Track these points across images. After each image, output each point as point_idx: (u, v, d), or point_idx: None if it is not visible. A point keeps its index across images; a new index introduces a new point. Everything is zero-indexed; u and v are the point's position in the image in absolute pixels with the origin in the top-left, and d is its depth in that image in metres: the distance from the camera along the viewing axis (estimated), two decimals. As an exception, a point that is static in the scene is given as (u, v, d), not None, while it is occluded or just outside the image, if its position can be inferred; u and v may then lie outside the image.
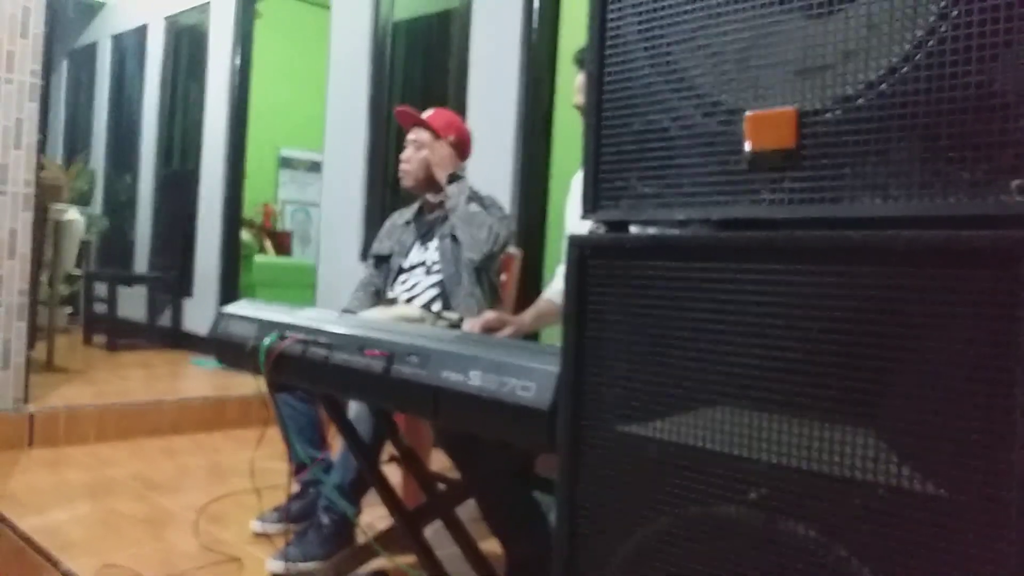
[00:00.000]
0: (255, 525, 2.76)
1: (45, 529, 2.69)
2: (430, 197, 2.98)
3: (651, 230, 1.16)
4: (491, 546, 2.25)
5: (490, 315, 2.35)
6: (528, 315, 2.44)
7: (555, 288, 2.53)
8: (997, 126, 0.83)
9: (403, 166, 2.97)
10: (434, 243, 2.89)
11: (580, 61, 2.32)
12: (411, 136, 2.97)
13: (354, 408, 2.37)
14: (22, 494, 3.07)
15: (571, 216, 2.53)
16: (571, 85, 2.38)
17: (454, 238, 2.82)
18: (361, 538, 2.36)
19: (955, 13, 0.85)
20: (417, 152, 2.94)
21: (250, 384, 1.82)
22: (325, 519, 2.46)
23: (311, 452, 2.72)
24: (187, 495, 3.15)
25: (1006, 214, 0.83)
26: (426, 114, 2.98)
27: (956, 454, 0.83)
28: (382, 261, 3.00)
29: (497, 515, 2.21)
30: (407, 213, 3.08)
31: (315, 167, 7.67)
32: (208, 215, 6.39)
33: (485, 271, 2.82)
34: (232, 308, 1.97)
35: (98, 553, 2.50)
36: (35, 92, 3.80)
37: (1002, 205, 0.83)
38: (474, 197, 2.82)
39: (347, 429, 2.05)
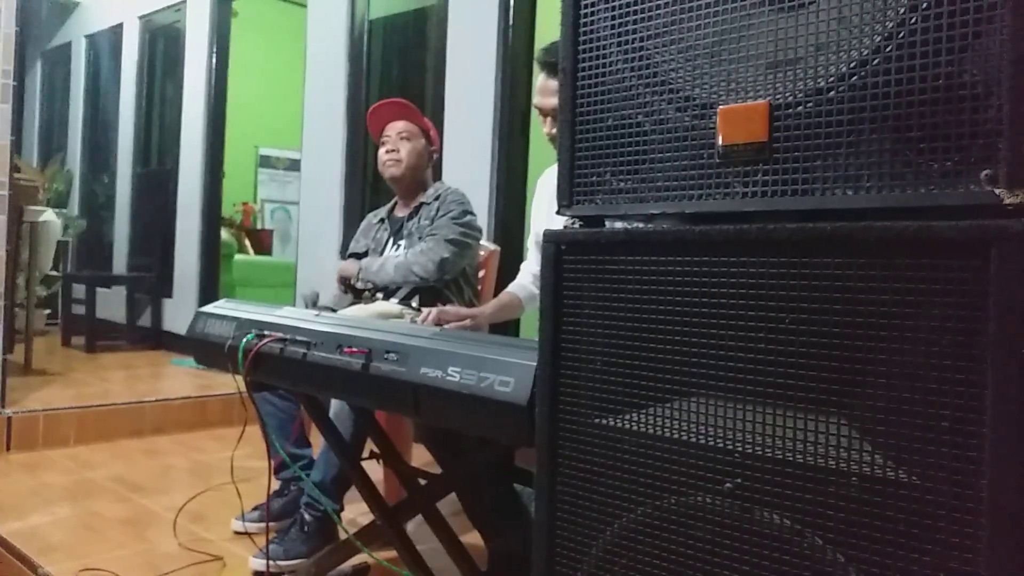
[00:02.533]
0: (235, 524, 2.75)
1: (25, 533, 2.67)
2: (406, 194, 2.99)
3: (626, 224, 1.17)
4: (472, 539, 2.26)
5: (447, 308, 2.39)
6: (489, 307, 2.53)
7: (518, 282, 2.61)
8: (967, 117, 0.85)
9: (392, 155, 2.93)
10: (405, 241, 2.91)
11: (542, 63, 2.34)
12: (397, 128, 2.95)
13: (334, 406, 2.37)
14: (1, 499, 3.05)
15: (536, 216, 2.57)
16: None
17: (419, 239, 2.84)
18: (343, 535, 2.35)
19: (925, 5, 0.86)
20: (408, 142, 2.94)
21: (231, 383, 1.81)
22: (307, 516, 2.46)
23: (292, 450, 2.71)
24: (170, 496, 3.13)
25: (976, 204, 0.84)
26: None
27: (928, 441, 0.84)
28: (360, 259, 3.00)
29: (478, 508, 2.21)
30: (381, 212, 3.12)
31: (294, 165, 7.64)
32: (187, 214, 6.35)
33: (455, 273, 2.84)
34: (210, 308, 1.97)
35: (79, 556, 2.48)
36: (7, 93, 3.77)
37: (972, 195, 0.84)
38: (442, 204, 2.88)
39: (327, 427, 2.05)
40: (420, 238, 2.84)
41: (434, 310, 2.35)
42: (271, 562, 2.35)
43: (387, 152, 2.94)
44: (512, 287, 2.62)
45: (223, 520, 2.82)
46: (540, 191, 2.58)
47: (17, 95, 3.86)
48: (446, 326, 2.27)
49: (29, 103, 8.33)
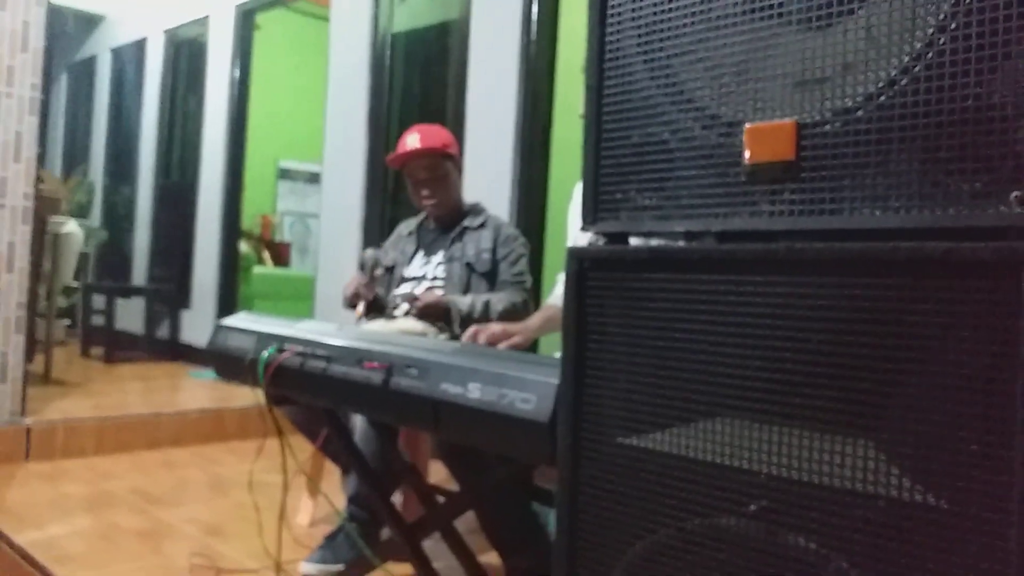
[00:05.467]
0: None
1: (43, 543, 2.67)
2: (443, 217, 2.99)
3: (651, 242, 1.16)
4: (490, 558, 2.25)
5: (494, 327, 2.27)
6: (535, 320, 2.41)
7: (557, 293, 2.52)
8: (996, 137, 0.84)
9: (432, 200, 2.92)
10: (437, 257, 2.91)
11: None
12: (422, 164, 2.90)
13: (359, 429, 2.36)
14: (19, 508, 3.06)
15: (573, 224, 2.53)
16: (570, 97, 2.38)
17: (469, 266, 2.84)
18: (385, 535, 2.36)
19: (954, 25, 0.86)
20: (444, 182, 2.92)
21: (249, 396, 1.82)
22: (352, 523, 2.46)
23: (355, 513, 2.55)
24: (187, 508, 3.14)
25: (1006, 225, 0.83)
26: (430, 140, 2.92)
27: (957, 465, 0.83)
28: (387, 271, 3.00)
29: (496, 527, 2.20)
30: (411, 224, 3.12)
31: (314, 178, 7.67)
32: (206, 226, 6.39)
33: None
34: (230, 321, 1.97)
35: (97, 567, 2.49)
36: (35, 106, 3.80)
37: (1002, 216, 0.83)
38: (500, 240, 2.88)
39: (352, 452, 2.04)
40: (469, 265, 2.84)
41: (474, 329, 2.25)
42: (320, 565, 2.38)
43: (421, 193, 2.93)
44: (553, 299, 2.51)
45: (239, 533, 2.81)
46: (578, 198, 2.54)
47: (43, 108, 3.90)
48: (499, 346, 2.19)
49: (53, 115, 8.42)
